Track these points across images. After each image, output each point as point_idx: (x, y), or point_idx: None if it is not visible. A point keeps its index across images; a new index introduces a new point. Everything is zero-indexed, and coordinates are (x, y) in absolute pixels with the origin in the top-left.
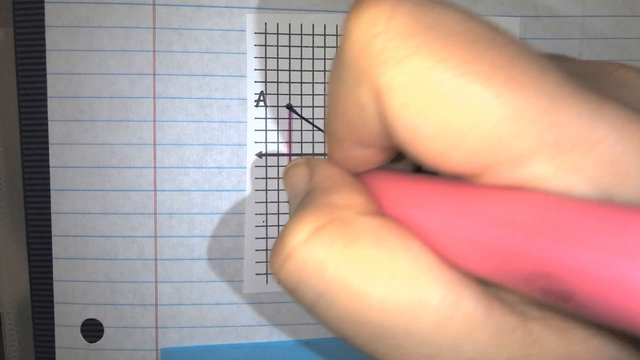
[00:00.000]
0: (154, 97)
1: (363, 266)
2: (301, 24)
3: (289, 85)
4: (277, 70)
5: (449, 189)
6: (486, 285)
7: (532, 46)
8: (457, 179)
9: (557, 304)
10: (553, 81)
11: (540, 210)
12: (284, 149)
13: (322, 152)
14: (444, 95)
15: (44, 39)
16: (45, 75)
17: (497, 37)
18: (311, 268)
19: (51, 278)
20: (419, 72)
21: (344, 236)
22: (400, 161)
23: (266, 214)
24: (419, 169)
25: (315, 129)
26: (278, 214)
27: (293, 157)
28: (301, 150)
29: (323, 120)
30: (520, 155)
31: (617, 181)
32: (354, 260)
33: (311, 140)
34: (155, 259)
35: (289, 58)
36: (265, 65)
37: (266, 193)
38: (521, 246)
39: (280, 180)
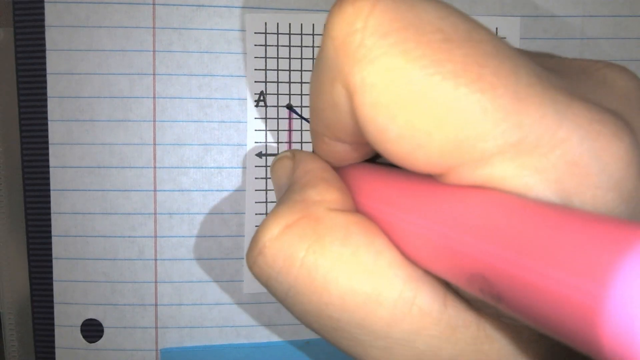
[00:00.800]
0: (154, 97)
1: (327, 262)
2: (301, 24)
3: (289, 85)
4: (277, 70)
5: (417, 187)
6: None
7: (509, 43)
8: (429, 176)
9: (494, 304)
10: (522, 80)
11: (484, 212)
12: (284, 149)
13: None
14: (411, 95)
15: (44, 38)
16: (45, 75)
17: (474, 34)
18: (280, 263)
19: (51, 278)
20: (390, 71)
21: (312, 232)
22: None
23: (266, 213)
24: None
25: None
26: None
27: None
28: (301, 150)
29: None
30: (482, 156)
31: (576, 182)
32: (319, 256)
33: (311, 140)
34: (155, 259)
35: (289, 58)
36: (265, 65)
37: (266, 193)
38: (465, 246)
39: None
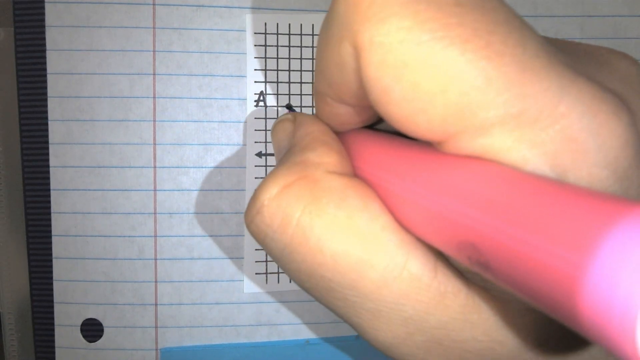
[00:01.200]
0: (154, 97)
1: (322, 223)
2: (301, 24)
3: (289, 86)
4: (277, 70)
5: (414, 154)
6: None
7: (519, 15)
8: (428, 144)
9: (481, 273)
10: (529, 52)
11: (477, 182)
12: None
13: None
14: (418, 57)
15: (44, 38)
16: (45, 75)
17: (485, 1)
18: (277, 222)
19: (51, 278)
20: (399, 31)
21: (309, 193)
22: (384, 122)
23: None
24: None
25: None
26: None
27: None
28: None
29: None
30: (482, 125)
31: (572, 158)
32: (315, 217)
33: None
34: (155, 259)
35: (289, 58)
36: (265, 66)
37: None
38: (456, 214)
39: None
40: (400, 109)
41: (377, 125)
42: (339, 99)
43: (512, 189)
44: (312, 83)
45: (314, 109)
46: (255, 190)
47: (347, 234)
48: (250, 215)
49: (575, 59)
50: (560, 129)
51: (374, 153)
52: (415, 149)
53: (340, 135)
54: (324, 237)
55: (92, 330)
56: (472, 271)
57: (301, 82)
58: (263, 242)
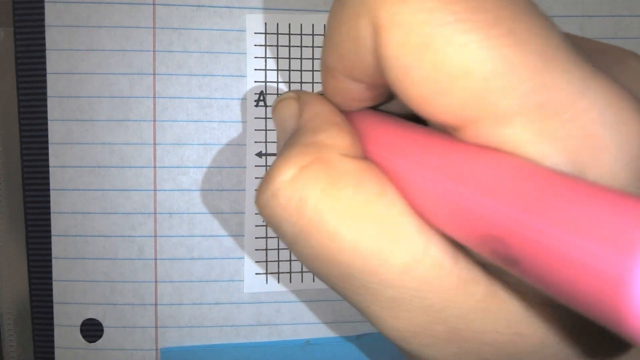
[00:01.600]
0: (154, 97)
1: (339, 208)
2: (301, 24)
3: (289, 86)
4: (277, 70)
5: (431, 140)
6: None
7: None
8: (443, 130)
9: (505, 267)
10: (553, 42)
11: (504, 174)
12: None
13: None
14: (441, 39)
15: (44, 38)
16: (45, 75)
17: None
18: (293, 206)
19: (50, 278)
20: (422, 12)
21: (325, 177)
22: (391, 102)
23: None
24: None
25: None
26: None
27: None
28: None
29: None
30: (503, 114)
31: (592, 155)
32: (332, 201)
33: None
34: (155, 259)
35: (289, 58)
36: (265, 65)
37: None
38: (479, 207)
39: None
40: (419, 90)
41: (382, 106)
42: (349, 75)
43: (543, 184)
44: (311, 85)
45: (321, 86)
46: (268, 172)
47: (366, 219)
48: (263, 198)
49: (590, 55)
50: (582, 125)
51: (386, 136)
52: (431, 135)
53: (347, 115)
54: (342, 222)
55: (91, 330)
56: (491, 263)
57: (301, 82)
58: (277, 226)
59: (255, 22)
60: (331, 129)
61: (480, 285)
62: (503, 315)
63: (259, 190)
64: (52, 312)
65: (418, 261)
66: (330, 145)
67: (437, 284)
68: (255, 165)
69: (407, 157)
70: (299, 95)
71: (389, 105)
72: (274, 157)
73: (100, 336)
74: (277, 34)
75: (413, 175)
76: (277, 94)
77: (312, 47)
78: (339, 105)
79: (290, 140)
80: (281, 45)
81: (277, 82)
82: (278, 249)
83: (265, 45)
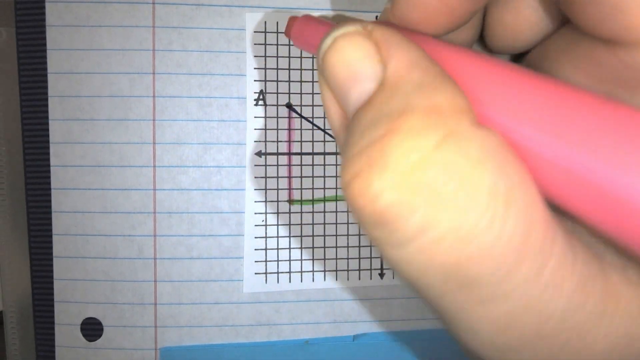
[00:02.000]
0: (154, 96)
1: (479, 202)
2: None
3: (289, 84)
4: (277, 69)
5: (567, 95)
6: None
7: None
8: (548, 75)
9: None
10: None
11: None
12: (283, 147)
13: (322, 151)
14: None
15: (44, 38)
16: (46, 75)
17: None
18: (424, 194)
19: (52, 276)
20: None
21: (464, 161)
22: (461, 29)
23: (265, 213)
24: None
25: (314, 127)
26: (277, 213)
27: (293, 156)
28: (300, 149)
29: (323, 119)
30: None
31: None
32: (473, 192)
33: (311, 140)
34: (155, 258)
35: (289, 57)
36: (265, 64)
37: (265, 192)
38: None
39: (279, 179)
40: None
41: (444, 36)
42: None
43: None
44: (311, 84)
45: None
46: (373, 148)
47: (510, 218)
48: (376, 187)
49: None
50: None
51: (485, 84)
52: (561, 89)
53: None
54: (482, 221)
55: (92, 329)
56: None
57: (301, 81)
58: (393, 221)
59: (255, 20)
60: (444, 86)
61: (597, 282)
62: (620, 314)
63: (361, 177)
64: (53, 311)
65: (544, 265)
66: (455, 111)
67: (559, 292)
68: (255, 165)
69: (535, 122)
70: (366, 29)
71: (449, 35)
72: (273, 156)
73: (100, 335)
74: (277, 32)
75: (541, 147)
76: (277, 93)
77: None
78: (412, 25)
79: (391, 102)
80: (281, 44)
81: (277, 81)
82: (278, 248)
83: (265, 44)
